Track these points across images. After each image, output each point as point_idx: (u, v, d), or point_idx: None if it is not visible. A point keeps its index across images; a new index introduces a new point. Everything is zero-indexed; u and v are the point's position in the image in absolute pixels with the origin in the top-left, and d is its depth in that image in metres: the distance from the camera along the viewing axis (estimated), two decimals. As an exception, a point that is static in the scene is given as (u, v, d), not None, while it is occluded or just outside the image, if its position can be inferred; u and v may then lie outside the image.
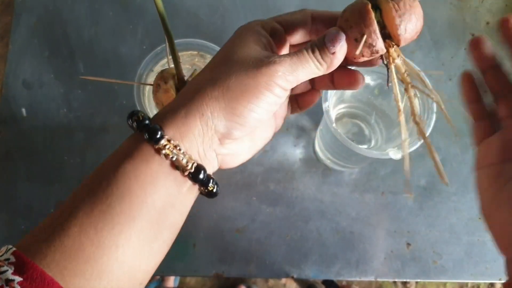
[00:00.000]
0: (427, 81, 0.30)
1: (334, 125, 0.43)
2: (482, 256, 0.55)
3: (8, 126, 0.58)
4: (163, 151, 0.26)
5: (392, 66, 0.28)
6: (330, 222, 0.56)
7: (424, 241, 0.55)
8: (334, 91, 0.47)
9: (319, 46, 0.27)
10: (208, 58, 0.46)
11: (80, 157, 0.57)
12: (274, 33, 0.30)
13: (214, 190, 0.29)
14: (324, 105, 0.43)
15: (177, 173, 0.27)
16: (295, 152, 0.58)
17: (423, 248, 0.55)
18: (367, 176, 0.57)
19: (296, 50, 0.28)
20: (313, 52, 0.27)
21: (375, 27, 0.26)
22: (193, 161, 0.27)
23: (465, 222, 0.56)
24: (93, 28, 0.62)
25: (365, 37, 0.26)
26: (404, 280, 0.59)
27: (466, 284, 1.22)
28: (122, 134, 0.57)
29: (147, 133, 0.26)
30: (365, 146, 0.54)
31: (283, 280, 1.22)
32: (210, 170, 0.29)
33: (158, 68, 0.45)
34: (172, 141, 0.26)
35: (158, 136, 0.26)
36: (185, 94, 0.28)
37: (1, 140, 0.58)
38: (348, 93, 0.52)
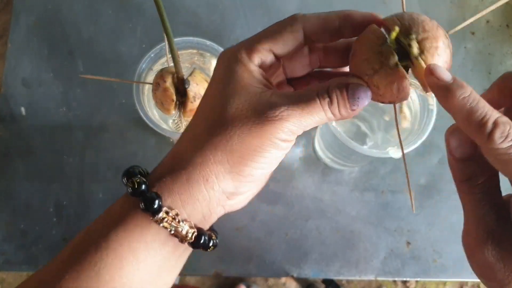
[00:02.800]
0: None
1: (334, 123, 0.43)
2: (482, 255, 0.55)
3: (7, 125, 0.58)
4: (161, 224, 0.24)
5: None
6: (330, 221, 0.56)
7: (424, 240, 0.55)
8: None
9: (339, 100, 0.24)
10: (208, 56, 0.46)
11: (79, 156, 0.57)
12: (264, 61, 0.26)
13: (212, 246, 0.27)
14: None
15: (175, 240, 0.25)
16: (295, 151, 0.58)
17: (423, 247, 0.55)
18: (367, 175, 0.57)
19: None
20: (330, 105, 0.24)
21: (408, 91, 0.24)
22: (193, 230, 0.25)
23: (465, 221, 0.56)
24: (92, 27, 0.61)
25: (398, 106, 0.24)
26: (404, 279, 0.59)
27: (466, 283, 1.22)
28: (122, 133, 0.58)
29: (143, 202, 0.24)
30: (365, 145, 0.54)
31: (283, 279, 1.22)
32: (214, 220, 0.28)
33: (157, 67, 0.45)
34: (170, 213, 0.24)
35: (155, 206, 0.24)
36: (183, 154, 0.25)
37: (0, 139, 0.57)
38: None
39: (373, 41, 0.24)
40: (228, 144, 0.24)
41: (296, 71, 0.29)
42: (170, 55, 0.36)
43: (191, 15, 0.62)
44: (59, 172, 0.57)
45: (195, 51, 0.45)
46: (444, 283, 1.22)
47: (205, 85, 0.40)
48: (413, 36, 0.23)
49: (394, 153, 0.42)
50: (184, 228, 0.25)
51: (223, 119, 0.24)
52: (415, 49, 0.23)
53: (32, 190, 0.56)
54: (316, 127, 0.57)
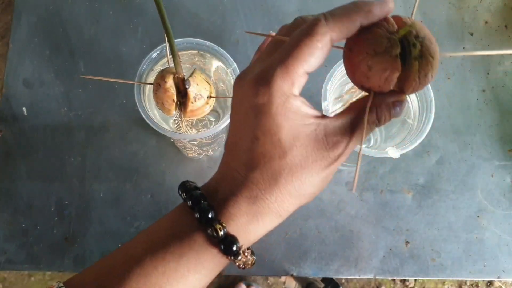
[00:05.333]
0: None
1: None
2: (480, 254, 0.55)
3: (8, 125, 0.58)
4: (236, 263, 0.27)
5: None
6: (329, 220, 0.56)
7: (423, 239, 0.56)
8: (333, 90, 0.47)
9: (386, 117, 0.27)
10: (208, 57, 0.46)
11: (81, 156, 0.57)
12: (302, 85, 0.25)
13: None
14: (323, 104, 0.43)
15: (227, 260, 0.27)
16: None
17: (422, 246, 0.56)
18: (366, 175, 0.57)
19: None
20: (378, 124, 0.27)
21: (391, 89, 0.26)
22: (254, 257, 0.28)
23: (463, 220, 0.56)
24: (93, 28, 0.62)
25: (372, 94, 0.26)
26: (403, 278, 0.59)
27: (465, 281, 1.22)
28: (123, 132, 0.58)
29: (223, 245, 0.26)
30: (364, 145, 0.55)
31: (283, 278, 1.23)
32: None
33: (158, 68, 0.45)
34: (246, 253, 0.27)
35: (234, 249, 0.26)
36: (254, 197, 0.26)
37: (2, 139, 0.58)
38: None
39: (386, 27, 0.25)
40: (300, 190, 0.26)
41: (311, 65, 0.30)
42: (170, 56, 0.37)
43: (191, 16, 0.62)
44: (61, 172, 0.57)
45: (195, 52, 0.46)
46: (443, 282, 1.22)
47: (206, 85, 0.41)
48: (421, 39, 0.24)
49: (393, 153, 0.42)
50: (250, 259, 0.27)
51: (289, 167, 0.25)
52: (417, 51, 0.24)
53: (33, 190, 0.56)
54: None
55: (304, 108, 0.25)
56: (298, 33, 0.25)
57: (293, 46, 0.24)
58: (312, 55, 0.24)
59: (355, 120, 0.26)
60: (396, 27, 0.25)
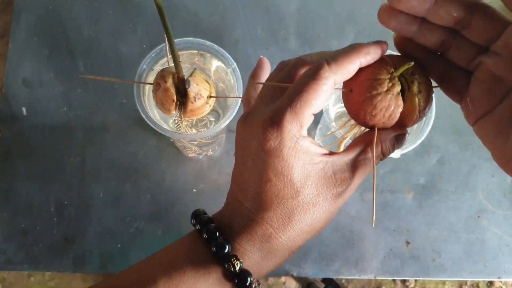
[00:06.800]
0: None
1: (333, 123, 0.43)
2: (481, 254, 0.55)
3: (8, 125, 0.58)
4: None
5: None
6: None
7: (423, 240, 0.56)
8: (333, 91, 0.47)
9: (390, 151, 0.28)
10: (208, 57, 0.46)
11: (80, 156, 0.57)
12: (309, 125, 0.27)
13: None
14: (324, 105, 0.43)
15: None
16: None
17: (422, 247, 0.55)
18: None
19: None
20: (383, 158, 0.28)
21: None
22: None
23: (464, 220, 0.56)
24: (93, 27, 0.62)
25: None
26: (403, 278, 0.59)
27: (465, 282, 1.22)
28: (122, 132, 0.58)
29: (237, 279, 0.27)
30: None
31: (283, 278, 1.23)
32: None
33: (158, 67, 0.45)
34: (254, 283, 0.27)
35: (247, 284, 0.27)
36: (268, 236, 0.27)
37: (1, 139, 0.58)
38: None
39: (386, 68, 0.27)
40: (312, 226, 0.27)
41: None
42: (170, 56, 0.36)
43: (191, 15, 0.62)
44: (60, 172, 0.57)
45: (195, 51, 0.45)
46: (444, 283, 1.22)
47: (205, 85, 0.40)
48: (417, 76, 0.27)
49: (394, 153, 0.42)
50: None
51: (301, 207, 0.27)
52: (415, 88, 0.27)
53: (33, 190, 0.56)
54: (316, 128, 0.57)
55: (312, 147, 0.26)
56: (303, 78, 0.26)
57: (300, 91, 0.25)
58: (318, 98, 0.25)
59: (361, 156, 0.28)
60: (391, 65, 0.27)
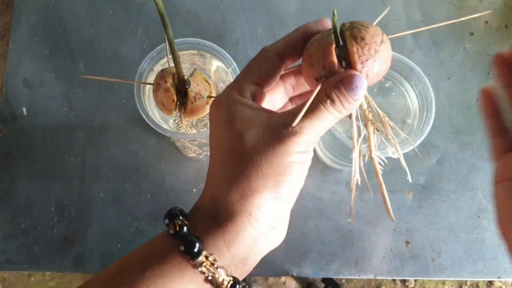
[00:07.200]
0: (391, 124, 0.31)
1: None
2: (480, 254, 0.55)
3: (8, 125, 0.58)
4: (199, 268, 0.25)
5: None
6: (330, 220, 0.56)
7: (423, 239, 0.56)
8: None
9: (339, 97, 0.25)
10: (208, 57, 0.46)
11: (81, 156, 0.57)
12: (254, 94, 0.28)
13: None
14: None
15: (210, 287, 0.26)
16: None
17: (422, 246, 0.56)
18: (366, 175, 0.57)
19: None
20: (333, 104, 0.25)
21: (336, 70, 0.26)
22: (229, 278, 0.26)
23: (463, 220, 0.56)
24: (93, 27, 0.62)
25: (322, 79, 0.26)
26: (403, 278, 0.59)
27: (465, 282, 1.22)
28: (123, 132, 0.58)
29: (184, 245, 0.25)
30: (365, 145, 0.55)
31: (283, 278, 1.23)
32: (257, 260, 0.29)
33: (158, 68, 0.45)
34: (210, 258, 0.25)
35: (195, 250, 0.24)
36: (219, 196, 0.26)
37: (1, 139, 0.58)
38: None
39: (324, 32, 0.27)
40: (259, 172, 0.25)
41: (276, 103, 0.32)
42: (170, 56, 0.37)
43: (191, 16, 0.62)
44: (60, 172, 0.57)
45: (195, 51, 0.46)
46: (443, 282, 1.22)
47: (206, 85, 0.40)
48: (348, 25, 0.26)
49: (393, 152, 0.42)
50: (221, 275, 0.25)
51: (246, 152, 0.25)
52: (346, 27, 0.26)
53: (33, 190, 0.56)
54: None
55: (255, 105, 0.27)
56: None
57: (246, 66, 0.28)
58: (259, 65, 0.28)
59: (306, 104, 0.26)
60: (330, 30, 0.27)
